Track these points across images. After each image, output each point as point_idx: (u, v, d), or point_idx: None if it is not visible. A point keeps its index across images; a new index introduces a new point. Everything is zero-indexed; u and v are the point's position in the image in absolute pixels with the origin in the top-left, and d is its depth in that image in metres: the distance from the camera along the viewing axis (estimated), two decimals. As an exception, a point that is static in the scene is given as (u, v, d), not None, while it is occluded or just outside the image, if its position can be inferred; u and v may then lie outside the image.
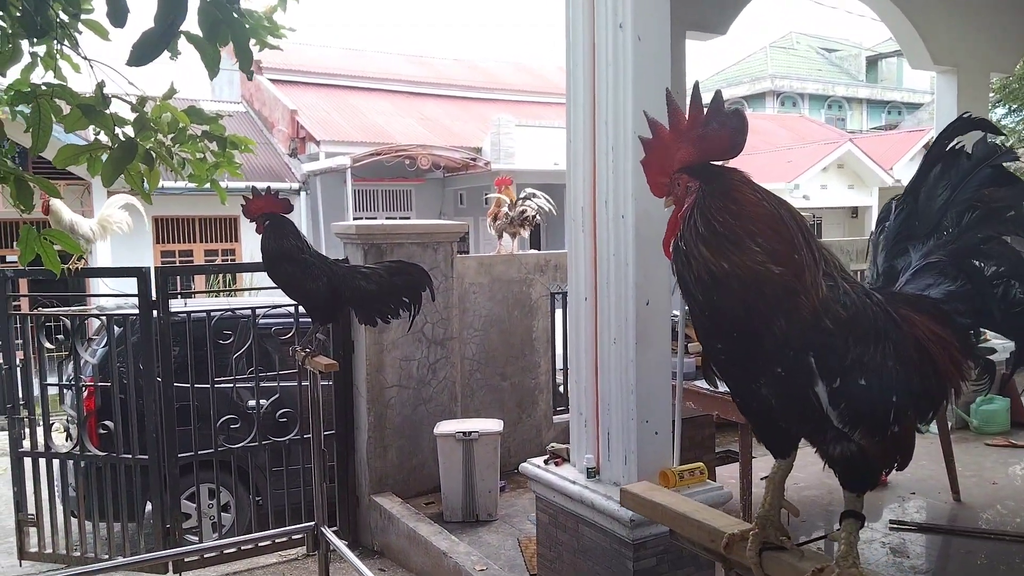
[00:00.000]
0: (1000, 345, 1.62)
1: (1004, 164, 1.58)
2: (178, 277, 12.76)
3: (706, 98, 1.48)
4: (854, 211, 21.18)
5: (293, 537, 4.60)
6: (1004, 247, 1.56)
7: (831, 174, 19.57)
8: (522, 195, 6.53)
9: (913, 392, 1.42)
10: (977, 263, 1.58)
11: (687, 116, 1.49)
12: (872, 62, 35.41)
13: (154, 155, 2.93)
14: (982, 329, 1.60)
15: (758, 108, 31.20)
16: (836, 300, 1.38)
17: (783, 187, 18.87)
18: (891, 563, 4.23)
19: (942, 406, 1.49)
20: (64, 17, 3.05)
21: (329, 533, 3.30)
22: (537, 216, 6.39)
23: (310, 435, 4.92)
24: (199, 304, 6.24)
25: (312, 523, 3.46)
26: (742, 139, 1.45)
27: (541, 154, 15.24)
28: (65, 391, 5.67)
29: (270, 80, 17.26)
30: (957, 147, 1.61)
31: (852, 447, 1.41)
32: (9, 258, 13.21)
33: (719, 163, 1.49)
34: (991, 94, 12.08)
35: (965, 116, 1.62)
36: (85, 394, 5.26)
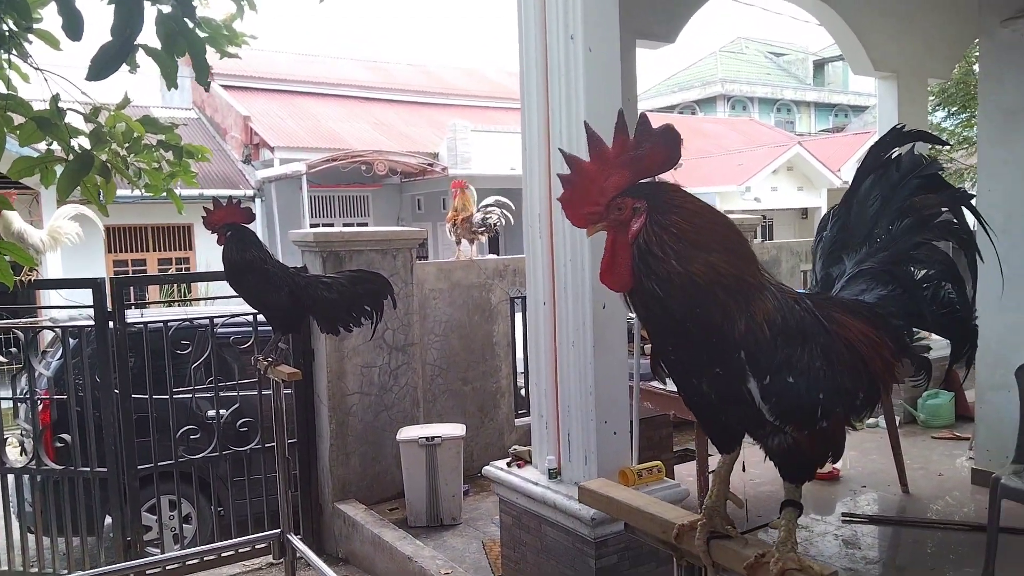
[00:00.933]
0: (936, 343, 1.73)
1: (934, 173, 1.68)
2: (131, 288, 12.57)
3: (632, 121, 1.54)
4: (804, 212, 21.69)
5: (258, 546, 4.58)
6: (934, 251, 1.67)
7: (781, 176, 20.03)
8: (485, 202, 6.61)
9: (843, 390, 1.51)
10: (907, 268, 1.68)
11: (614, 143, 1.53)
12: (819, 66, 36.27)
13: (110, 167, 2.92)
14: (916, 329, 1.70)
15: (709, 112, 31.74)
16: (767, 303, 1.47)
17: (735, 189, 19.25)
18: (844, 555, 4.37)
19: (876, 403, 1.59)
20: (11, 26, 3.03)
21: (295, 540, 3.32)
22: (498, 224, 6.47)
23: (273, 443, 4.92)
24: (156, 314, 6.18)
25: (278, 530, 3.47)
26: (678, 152, 1.52)
27: (497, 159, 15.34)
28: (19, 405, 5.56)
29: (222, 86, 17.06)
30: (889, 158, 1.70)
31: (787, 440, 1.51)
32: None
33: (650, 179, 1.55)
34: (930, 98, 12.49)
35: (897, 128, 1.73)
36: (40, 407, 5.18)
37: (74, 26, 2.29)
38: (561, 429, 3.46)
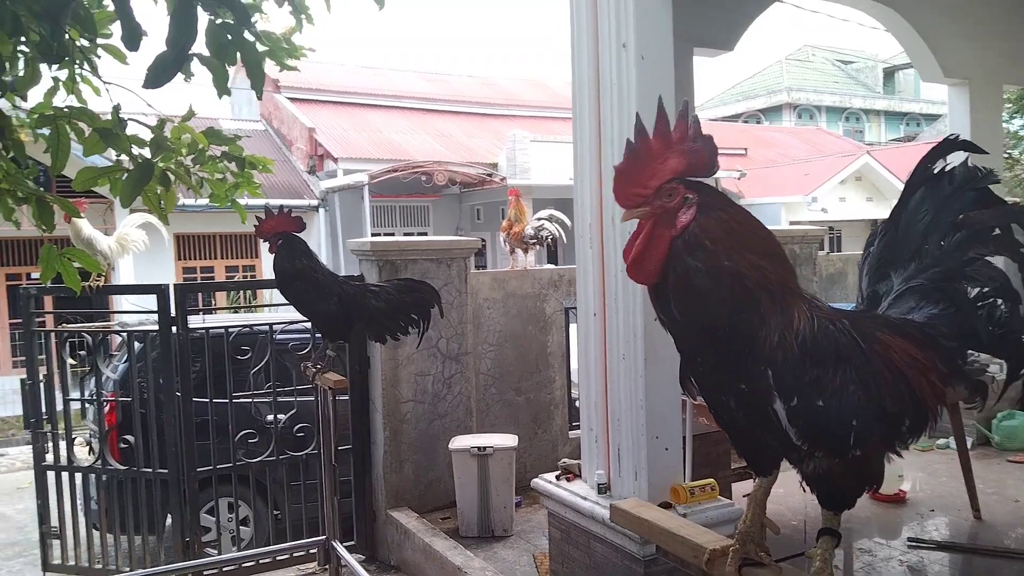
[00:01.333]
0: (993, 364, 1.63)
1: (988, 186, 1.59)
2: (199, 294, 12.95)
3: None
4: (874, 224, 21.05)
5: (298, 553, 4.65)
6: (988, 267, 1.57)
7: (849, 187, 19.50)
8: (539, 215, 6.61)
9: (883, 416, 1.42)
10: (960, 285, 1.58)
11: (676, 128, 1.48)
12: (889, 74, 35.26)
13: (171, 176, 3.00)
14: (971, 351, 1.60)
15: (775, 121, 31.15)
16: (803, 317, 1.41)
17: (800, 200, 18.81)
18: (909, 581, 4.19)
19: (923, 430, 1.49)
20: (83, 42, 3.15)
21: (339, 547, 3.34)
22: (549, 239, 6.47)
23: (334, 449, 4.99)
24: (218, 320, 6.33)
25: (323, 537, 3.50)
26: (717, 162, 1.49)
27: (556, 169, 15.32)
28: (87, 406, 5.76)
29: (288, 99, 17.50)
30: (940, 170, 1.62)
31: (820, 467, 1.43)
32: (33, 275, 13.44)
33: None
34: (1007, 105, 11.99)
35: (950, 138, 1.64)
36: (106, 409, 5.36)
37: (133, 37, 2.35)
38: (611, 443, 3.40)
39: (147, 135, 3.26)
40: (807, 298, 1.46)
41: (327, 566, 3.46)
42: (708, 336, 1.42)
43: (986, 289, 1.59)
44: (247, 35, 2.76)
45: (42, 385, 5.32)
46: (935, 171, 1.63)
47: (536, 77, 24.70)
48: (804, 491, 1.58)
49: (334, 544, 3.34)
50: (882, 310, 1.59)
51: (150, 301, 5.14)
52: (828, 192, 19.13)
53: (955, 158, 1.68)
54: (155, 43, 2.43)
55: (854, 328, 1.45)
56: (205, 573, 5.03)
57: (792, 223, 17.56)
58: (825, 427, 1.38)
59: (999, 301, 1.59)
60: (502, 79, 23.39)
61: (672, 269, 1.43)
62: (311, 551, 4.49)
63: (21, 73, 2.91)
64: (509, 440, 5.30)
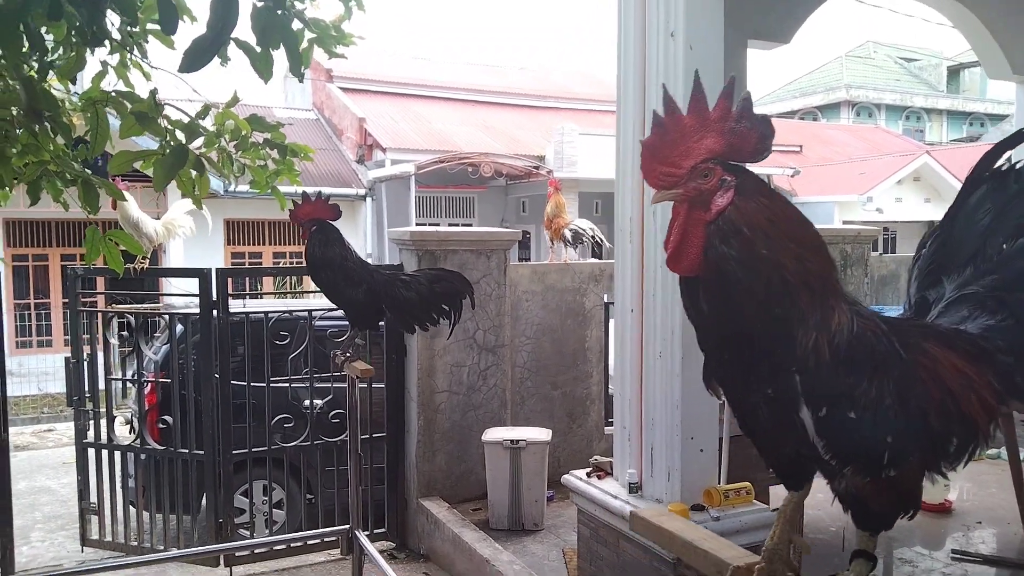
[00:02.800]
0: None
1: None
2: (246, 279, 13.15)
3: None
4: (930, 225, 20.43)
5: (328, 540, 4.65)
6: None
7: (906, 187, 18.95)
8: (577, 222, 6.59)
9: (925, 434, 1.29)
10: (1021, 295, 1.42)
11: (717, 106, 1.36)
12: (954, 72, 34.17)
13: (204, 161, 3.00)
14: None
15: (832, 118, 30.44)
16: (842, 319, 1.29)
17: (855, 199, 18.35)
18: (952, 595, 4.04)
19: (974, 449, 1.36)
20: (129, 28, 3.17)
21: (362, 536, 3.32)
22: (587, 242, 6.45)
23: (366, 436, 5.00)
24: (259, 305, 6.39)
25: (347, 526, 3.49)
26: (769, 146, 1.34)
27: (604, 162, 15.12)
28: (129, 386, 5.86)
29: (340, 88, 17.63)
30: (1006, 167, 1.47)
31: (850, 485, 1.30)
32: (82, 256, 13.79)
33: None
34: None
35: (1021, 131, 1.49)
36: (147, 389, 5.44)
37: (169, 20, 2.35)
38: (644, 442, 3.32)
39: (186, 120, 3.27)
40: (848, 298, 1.34)
41: (350, 555, 3.44)
42: (737, 332, 1.30)
43: None
44: (293, 20, 2.74)
45: (86, 364, 5.43)
46: (999, 168, 1.48)
47: (586, 69, 24.47)
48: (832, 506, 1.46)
49: (356, 533, 3.32)
50: (931, 318, 1.44)
51: (192, 284, 5.20)
52: (884, 192, 18.61)
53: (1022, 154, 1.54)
54: (199, 27, 2.42)
55: (896, 336, 1.32)
56: (237, 554, 5.09)
57: (845, 222, 17.12)
58: (856, 442, 1.26)
59: None
60: (550, 71, 23.25)
61: (704, 256, 1.32)
62: (328, 540, 4.49)
63: (65, 58, 2.93)
64: (543, 434, 5.25)
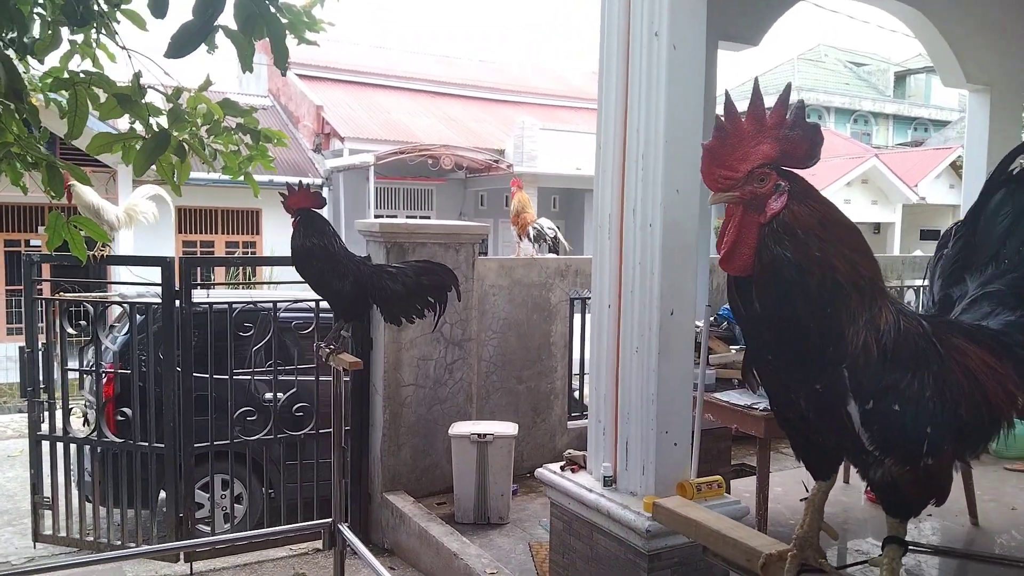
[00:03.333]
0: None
1: None
2: (198, 268, 12.88)
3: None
4: (876, 227, 21.01)
5: (308, 533, 4.60)
6: None
7: (855, 189, 19.44)
8: (538, 222, 6.65)
9: (957, 425, 1.36)
10: None
11: (773, 112, 1.43)
12: (900, 78, 35.14)
13: (186, 147, 2.94)
14: None
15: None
16: (889, 318, 1.35)
17: (806, 200, 18.74)
18: (905, 585, 4.18)
19: (993, 439, 1.44)
20: (104, 7, 3.08)
21: (346, 530, 3.30)
22: (553, 239, 6.53)
23: (327, 430, 4.93)
24: (221, 295, 6.28)
25: (329, 520, 3.46)
26: (818, 153, 1.42)
27: (564, 158, 15.23)
28: (85, 376, 5.71)
29: (297, 75, 17.36)
30: (1021, 172, 1.55)
31: (888, 474, 1.37)
32: (33, 242, 13.35)
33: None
34: None
35: None
36: (104, 380, 5.30)
37: (159, 4, 2.30)
38: (619, 436, 3.36)
39: (163, 104, 3.20)
40: (892, 298, 1.40)
41: (330, 549, 3.41)
42: (789, 330, 1.35)
43: None
44: (272, 8, 2.70)
45: (40, 354, 5.27)
46: (1017, 172, 1.57)
47: (546, 64, 24.56)
48: (806, 491, 1.52)
49: (340, 527, 3.30)
50: (955, 315, 1.53)
51: (154, 273, 5.09)
52: (834, 193, 19.01)
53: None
54: (177, 13, 2.37)
55: (933, 333, 1.40)
56: (198, 549, 5.00)
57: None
58: (900, 433, 1.33)
59: None
60: (512, 65, 23.25)
61: (759, 258, 1.37)
62: (308, 533, 4.45)
63: (41, 37, 2.85)
64: (509, 428, 5.27)
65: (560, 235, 6.84)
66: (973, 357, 1.41)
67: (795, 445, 1.48)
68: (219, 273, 13.56)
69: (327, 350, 3.15)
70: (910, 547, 4.49)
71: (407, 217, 16.29)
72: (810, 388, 1.35)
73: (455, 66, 21.55)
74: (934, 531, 4.95)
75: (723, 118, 1.43)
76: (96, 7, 3.06)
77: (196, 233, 15.23)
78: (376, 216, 15.09)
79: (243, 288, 9.50)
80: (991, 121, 6.09)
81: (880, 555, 1.48)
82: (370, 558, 3.09)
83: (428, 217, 16.81)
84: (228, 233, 15.48)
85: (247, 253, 15.28)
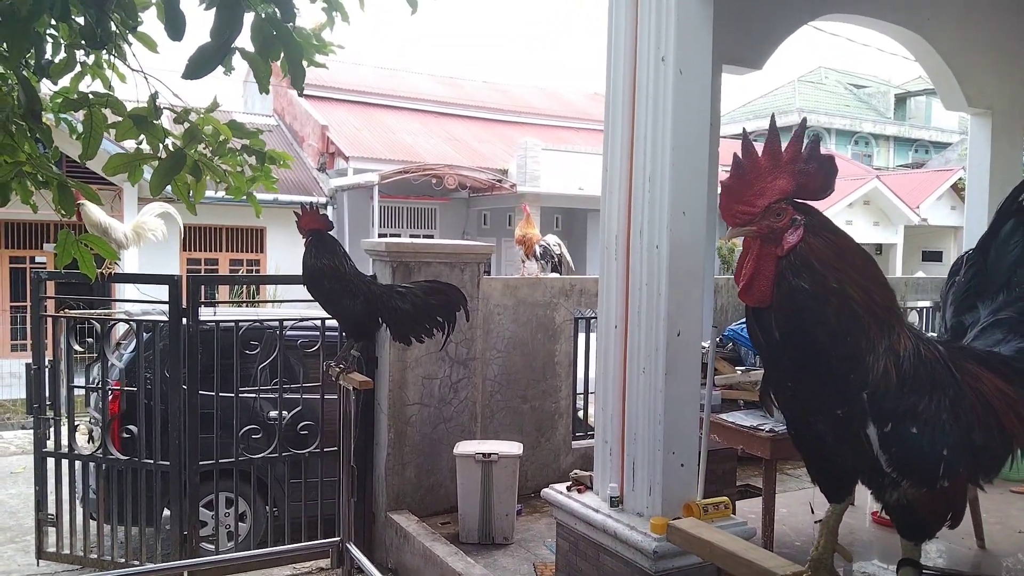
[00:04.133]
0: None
1: None
2: (202, 286, 12.91)
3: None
4: (879, 248, 21.04)
5: (315, 551, 4.59)
6: None
7: (856, 210, 19.50)
8: (545, 239, 6.70)
9: (971, 448, 1.39)
10: None
11: (788, 148, 1.47)
12: (901, 100, 35.34)
13: (202, 167, 2.98)
14: None
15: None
16: (907, 343, 1.37)
17: (808, 221, 18.79)
18: (911, 608, 4.16)
19: (1006, 463, 1.46)
20: (129, 30, 3.13)
21: (354, 549, 3.30)
22: (558, 256, 6.59)
23: (333, 448, 4.94)
24: (227, 313, 6.30)
25: (337, 539, 3.46)
26: (833, 184, 1.46)
27: (566, 178, 15.30)
28: (91, 394, 5.72)
29: (302, 95, 17.49)
30: None
31: (904, 496, 1.39)
32: (38, 259, 13.39)
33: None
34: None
35: None
36: (110, 398, 5.32)
37: (177, 27, 2.34)
38: (626, 457, 3.37)
39: (173, 125, 3.24)
40: (909, 325, 1.43)
41: (339, 568, 3.41)
42: (810, 358, 1.38)
43: None
44: (291, 30, 2.75)
45: (47, 371, 5.29)
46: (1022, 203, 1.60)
47: (548, 85, 24.70)
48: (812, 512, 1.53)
49: (348, 546, 3.30)
50: (968, 341, 1.56)
51: (161, 291, 5.12)
52: (836, 215, 19.09)
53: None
54: (191, 35, 2.41)
55: (949, 357, 1.42)
56: (202, 568, 4.99)
57: (798, 244, 17.52)
58: (917, 456, 1.35)
59: None
60: (516, 86, 23.42)
61: (777, 288, 1.41)
62: (318, 551, 4.44)
63: (56, 60, 2.89)
64: (514, 448, 5.27)
65: (565, 251, 6.88)
66: (986, 382, 1.43)
67: (811, 467, 1.50)
68: (223, 291, 13.63)
69: (337, 369, 3.16)
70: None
71: (411, 236, 16.35)
72: (830, 412, 1.37)
73: (459, 87, 21.71)
74: (940, 553, 4.93)
75: (740, 155, 1.47)
76: (115, 30, 3.12)
77: (200, 251, 15.28)
78: (380, 235, 15.15)
79: (248, 306, 9.53)
80: (992, 144, 6.14)
81: None
82: (376, 574, 3.08)
83: (431, 236, 16.87)
84: (232, 251, 15.54)
85: (251, 271, 15.32)
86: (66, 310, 5.86)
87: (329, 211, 15.48)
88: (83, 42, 2.64)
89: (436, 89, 20.78)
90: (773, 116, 1.49)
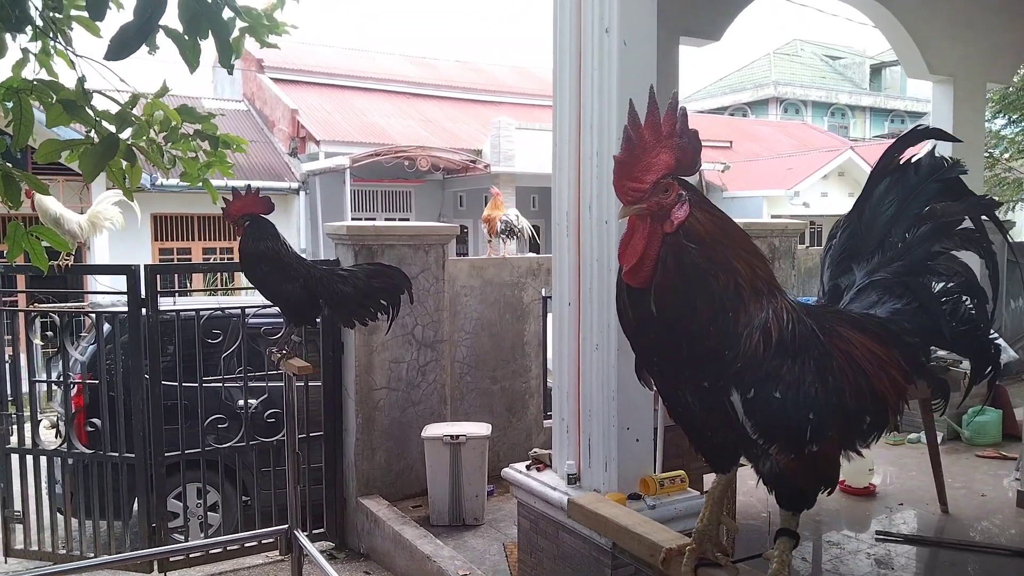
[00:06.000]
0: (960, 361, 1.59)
1: (955, 177, 1.54)
2: (176, 275, 12.79)
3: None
4: (852, 219, 21.11)
5: (267, 540, 4.57)
6: (954, 262, 1.52)
7: (832, 182, 19.56)
8: (507, 213, 6.64)
9: (842, 411, 1.37)
10: (924, 280, 1.53)
11: (665, 120, 1.41)
12: (876, 70, 35.43)
13: (136, 152, 2.91)
14: (934, 348, 1.55)
15: (761, 114, 31.21)
16: (782, 313, 1.36)
17: (783, 193, 18.86)
18: (876, 574, 4.21)
19: (884, 427, 1.45)
20: (54, 13, 3.05)
21: (302, 536, 3.28)
22: (525, 229, 6.52)
23: (302, 435, 4.91)
24: (190, 303, 6.23)
25: (285, 526, 3.44)
26: (700, 160, 1.43)
27: (541, 157, 15.16)
28: (54, 388, 5.65)
29: (272, 79, 17.28)
30: (906, 160, 1.56)
31: (775, 465, 1.37)
32: (2, 253, 13.19)
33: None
34: (990, 104, 12.03)
35: (918, 128, 1.59)
36: (73, 391, 5.25)
37: (97, 6, 2.28)
38: (582, 434, 3.37)
39: (115, 109, 3.17)
40: (785, 294, 1.41)
41: (289, 555, 3.40)
42: (686, 334, 1.35)
43: (951, 284, 1.54)
44: (224, 8, 2.68)
45: (8, 365, 5.21)
46: (901, 161, 1.58)
47: (522, 64, 24.55)
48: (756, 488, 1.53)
49: (296, 533, 3.28)
50: (844, 304, 1.54)
51: (120, 282, 5.04)
52: (811, 187, 19.18)
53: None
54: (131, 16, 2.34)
55: (813, 321, 1.41)
56: (172, 559, 4.96)
57: (774, 216, 17.59)
58: (782, 420, 1.33)
59: (964, 297, 1.55)
60: (488, 65, 23.24)
61: (662, 265, 1.36)
62: (267, 540, 4.43)
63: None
64: (482, 429, 5.27)
65: (526, 224, 6.83)
66: (857, 345, 1.42)
67: (691, 440, 1.49)
68: (197, 280, 13.50)
69: (278, 355, 3.13)
70: (880, 537, 4.52)
71: (386, 219, 16.24)
72: (697, 384, 1.35)
73: (431, 67, 21.51)
74: (905, 520, 4.99)
75: (629, 128, 1.41)
76: (50, 15, 3.03)
77: (173, 240, 15.11)
78: (354, 219, 15.04)
79: (223, 294, 9.43)
80: (955, 111, 6.16)
81: (772, 548, 1.48)
82: (323, 563, 3.07)
83: (407, 219, 16.77)
84: (205, 240, 15.38)
85: (224, 259, 15.17)
86: (35, 304, 5.77)
87: (301, 196, 15.34)
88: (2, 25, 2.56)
89: (408, 69, 20.58)
90: (652, 87, 1.45)
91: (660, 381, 1.43)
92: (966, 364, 1.78)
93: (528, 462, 3.70)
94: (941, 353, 1.64)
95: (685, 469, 3.54)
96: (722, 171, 19.15)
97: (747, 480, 4.88)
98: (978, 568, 4.27)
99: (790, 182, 19.08)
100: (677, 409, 1.44)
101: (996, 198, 1.54)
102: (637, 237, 1.39)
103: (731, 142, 21.90)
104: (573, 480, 3.37)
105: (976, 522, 4.88)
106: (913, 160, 1.58)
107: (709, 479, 5.14)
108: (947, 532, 4.76)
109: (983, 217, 1.52)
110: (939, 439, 5.43)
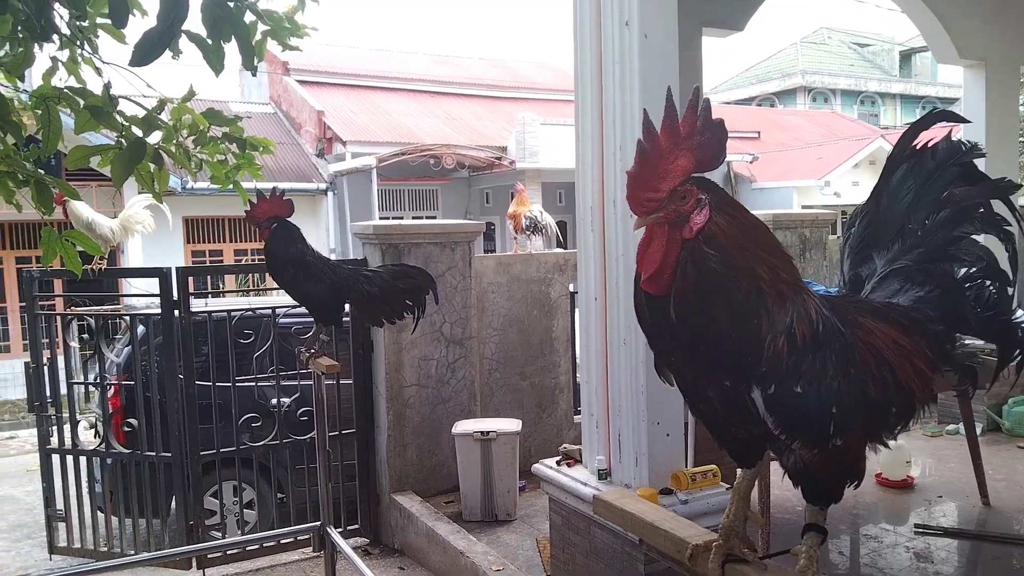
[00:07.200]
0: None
1: (972, 161, 1.51)
2: (208, 277, 12.98)
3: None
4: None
5: (301, 537, 4.62)
6: (975, 247, 1.49)
7: (863, 170, 19.26)
8: (531, 209, 6.65)
9: (866, 403, 1.34)
10: (945, 266, 1.50)
11: (684, 121, 1.37)
12: (906, 57, 34.82)
13: (163, 155, 2.96)
14: (959, 335, 1.52)
15: (789, 104, 30.83)
16: (807, 313, 1.33)
17: (813, 184, 18.63)
18: (915, 568, 4.14)
19: (911, 418, 1.42)
20: (79, 22, 3.10)
21: (334, 533, 3.32)
22: (548, 227, 6.53)
23: (334, 433, 4.95)
24: (222, 304, 6.31)
25: (318, 523, 3.48)
26: (725, 151, 1.39)
27: (566, 152, 15.15)
28: (92, 389, 5.76)
29: (298, 81, 17.43)
30: (923, 146, 1.53)
31: (799, 459, 1.35)
32: (38, 258, 13.46)
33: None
34: (1024, 87, 11.76)
35: (933, 112, 1.56)
36: (110, 392, 5.35)
37: (119, 13, 2.31)
38: (612, 429, 3.36)
39: (142, 114, 3.22)
40: (808, 292, 1.38)
41: (322, 551, 3.43)
42: (705, 340, 1.33)
43: (973, 269, 1.51)
44: (246, 12, 2.71)
45: (46, 368, 5.32)
46: (917, 146, 1.54)
47: (546, 59, 24.50)
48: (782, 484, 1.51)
49: (328, 530, 3.32)
50: (865, 294, 1.51)
51: (153, 284, 5.13)
52: (841, 176, 18.92)
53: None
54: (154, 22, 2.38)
55: (834, 313, 1.38)
56: (209, 556, 5.04)
57: (804, 207, 17.39)
58: (803, 415, 1.31)
59: (987, 282, 1.51)
60: (513, 61, 23.22)
61: (682, 272, 1.34)
62: (301, 537, 4.48)
63: (13, 54, 2.87)
64: (512, 424, 5.28)
65: (550, 220, 6.84)
66: (880, 335, 1.38)
67: (714, 435, 1.47)
68: (230, 281, 13.68)
69: (307, 354, 3.16)
70: (919, 530, 4.43)
71: (413, 218, 16.32)
72: (718, 383, 1.33)
73: (455, 65, 21.55)
74: (945, 513, 4.91)
75: (642, 139, 1.38)
76: (76, 23, 3.09)
77: (205, 242, 15.33)
78: (382, 218, 15.14)
79: (253, 295, 9.55)
80: (987, 96, 6.03)
81: (800, 544, 1.46)
82: (356, 560, 3.10)
83: (434, 217, 16.83)
84: (236, 241, 15.57)
85: (256, 260, 15.35)
86: (73, 307, 5.89)
87: (329, 197, 15.46)
88: (22, 34, 2.61)
89: (432, 68, 20.63)
90: (669, 89, 1.42)
91: (680, 379, 1.42)
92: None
93: (558, 458, 3.70)
94: (970, 342, 1.61)
95: (718, 463, 3.51)
96: (751, 162, 18.96)
97: (783, 473, 4.80)
98: (1022, 561, 4.19)
99: (820, 172, 18.84)
100: (698, 405, 1.43)
101: (1015, 180, 1.51)
102: (655, 244, 1.37)
103: (759, 132, 21.67)
104: (604, 475, 3.37)
105: (1019, 515, 4.78)
106: (930, 145, 1.55)
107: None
108: (989, 525, 4.67)
109: (1001, 200, 1.49)
110: (979, 430, 5.34)
